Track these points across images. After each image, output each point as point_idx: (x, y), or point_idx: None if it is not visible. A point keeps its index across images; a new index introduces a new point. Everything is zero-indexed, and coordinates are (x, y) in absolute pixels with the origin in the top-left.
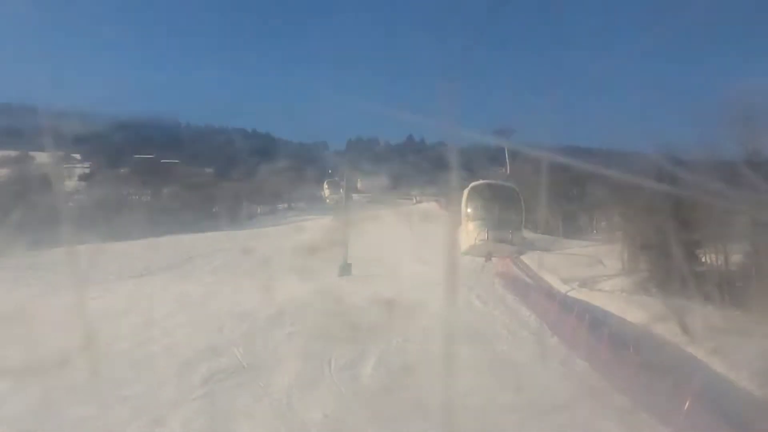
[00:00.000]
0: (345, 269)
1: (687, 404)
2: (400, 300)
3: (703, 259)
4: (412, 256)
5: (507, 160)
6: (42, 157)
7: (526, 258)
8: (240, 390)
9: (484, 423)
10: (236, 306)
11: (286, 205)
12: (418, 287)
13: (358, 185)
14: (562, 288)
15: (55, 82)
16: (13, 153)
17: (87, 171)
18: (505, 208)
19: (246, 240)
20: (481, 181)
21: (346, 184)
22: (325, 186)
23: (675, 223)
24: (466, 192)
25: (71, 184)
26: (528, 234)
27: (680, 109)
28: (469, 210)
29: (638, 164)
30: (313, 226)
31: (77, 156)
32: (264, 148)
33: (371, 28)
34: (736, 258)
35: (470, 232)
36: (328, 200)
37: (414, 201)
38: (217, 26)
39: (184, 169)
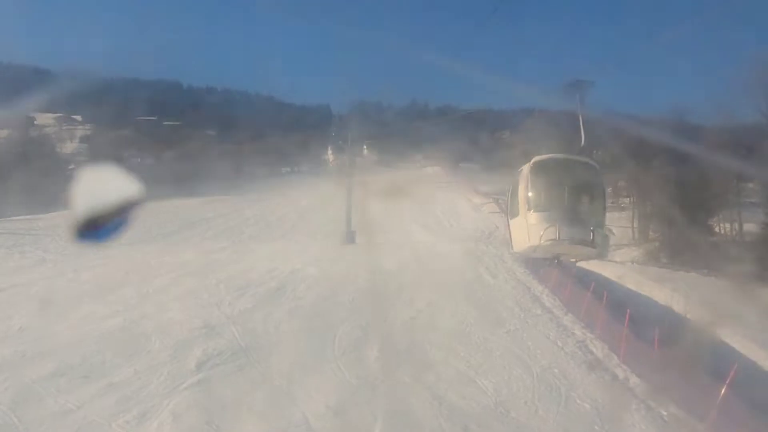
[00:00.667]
0: (348, 237)
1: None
2: (404, 273)
3: (717, 229)
4: (417, 224)
5: (581, 127)
6: (43, 119)
7: None
8: (235, 377)
9: None
10: (235, 278)
11: (288, 169)
12: (423, 257)
13: (364, 150)
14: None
15: (54, 43)
16: (12, 114)
17: (88, 133)
18: (585, 195)
19: (248, 205)
20: (550, 156)
21: (350, 148)
22: (329, 151)
23: (687, 192)
24: (526, 169)
25: (71, 146)
26: None
27: (698, 73)
28: (530, 194)
29: (649, 127)
30: (316, 190)
31: (78, 118)
32: (267, 110)
33: None
34: (750, 227)
35: (532, 226)
36: (331, 164)
37: (418, 165)
38: None
39: (186, 131)
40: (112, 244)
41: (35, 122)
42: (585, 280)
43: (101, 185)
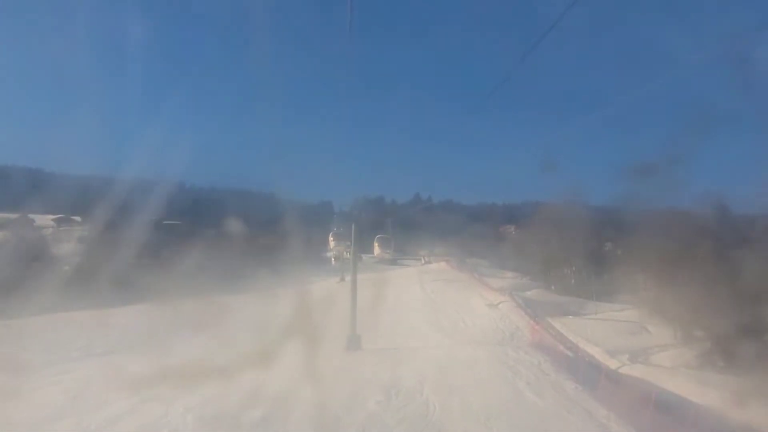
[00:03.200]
0: (353, 342)
1: None
2: (425, 391)
3: None
4: (428, 324)
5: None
6: (43, 220)
7: (558, 324)
8: None
9: None
10: (210, 404)
11: (289, 266)
12: (446, 368)
13: (376, 247)
14: (610, 362)
15: (54, 146)
16: (11, 215)
17: (86, 234)
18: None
19: (241, 306)
20: None
21: (353, 243)
22: (330, 239)
23: (737, 284)
24: None
25: (69, 246)
26: (553, 296)
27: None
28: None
29: (682, 221)
30: (318, 288)
31: (77, 218)
32: (267, 208)
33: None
34: None
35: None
36: (333, 253)
37: (423, 261)
38: (223, 86)
39: (186, 230)
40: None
41: (34, 223)
42: (658, 400)
43: None
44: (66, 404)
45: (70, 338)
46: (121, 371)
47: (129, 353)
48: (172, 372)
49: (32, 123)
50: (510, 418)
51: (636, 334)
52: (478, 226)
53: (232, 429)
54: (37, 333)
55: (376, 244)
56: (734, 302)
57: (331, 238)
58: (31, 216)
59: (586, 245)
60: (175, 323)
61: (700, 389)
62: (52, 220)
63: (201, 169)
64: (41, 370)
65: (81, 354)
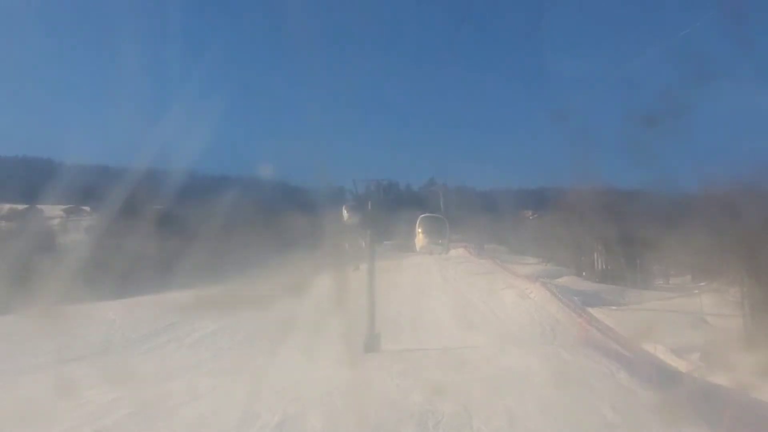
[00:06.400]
0: (372, 342)
1: None
2: (477, 420)
3: None
4: (455, 318)
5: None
6: (53, 211)
7: (602, 315)
8: None
9: None
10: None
11: (302, 254)
12: (493, 380)
13: (419, 235)
14: (679, 364)
15: (64, 135)
16: (20, 206)
17: (94, 224)
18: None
19: (248, 298)
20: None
21: (369, 232)
22: (344, 211)
23: None
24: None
25: (77, 237)
26: (586, 283)
27: None
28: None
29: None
30: (329, 278)
31: (86, 209)
32: (278, 196)
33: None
34: None
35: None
36: (347, 229)
37: (440, 248)
38: (230, 75)
39: (194, 220)
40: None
41: (43, 214)
42: None
43: None
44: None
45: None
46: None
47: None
48: (149, 389)
49: (42, 112)
50: None
51: (697, 328)
52: (493, 211)
53: None
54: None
55: (419, 231)
56: None
57: (344, 210)
58: (40, 206)
59: (617, 229)
60: (160, 322)
61: None
62: (62, 210)
63: (212, 156)
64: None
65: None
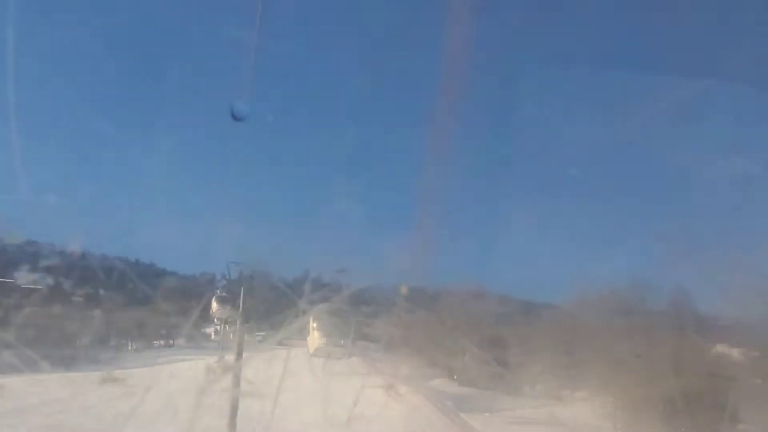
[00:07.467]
0: None
1: None
2: None
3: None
4: (326, 419)
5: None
6: None
7: (478, 424)
8: None
9: None
10: None
11: (163, 342)
12: None
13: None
14: None
15: None
16: None
17: None
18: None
19: (95, 387)
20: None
21: (240, 312)
22: (214, 303)
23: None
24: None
25: None
26: (458, 387)
27: None
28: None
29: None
30: (193, 369)
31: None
32: (144, 278)
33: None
34: None
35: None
36: (216, 321)
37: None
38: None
39: (49, 295)
40: None
41: None
42: None
43: None
44: None
45: None
46: None
47: None
48: None
49: None
50: None
51: None
52: (366, 308)
53: None
54: None
55: (314, 327)
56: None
57: (214, 303)
58: None
59: (488, 331)
60: None
61: None
62: None
63: (69, 233)
64: None
65: None
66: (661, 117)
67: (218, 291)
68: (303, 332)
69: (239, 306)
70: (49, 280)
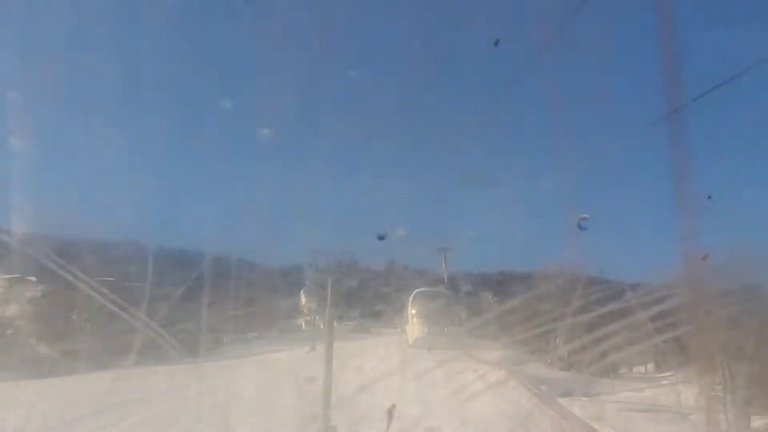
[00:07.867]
0: None
1: None
2: None
3: None
4: (419, 407)
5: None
6: None
7: (577, 410)
8: None
9: None
10: None
11: (255, 334)
12: None
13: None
14: None
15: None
16: None
17: (38, 294)
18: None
19: (196, 379)
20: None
21: (328, 304)
22: (302, 295)
23: None
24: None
25: (14, 308)
26: (553, 371)
27: None
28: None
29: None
30: (286, 359)
31: (32, 278)
32: (235, 272)
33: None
34: None
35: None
36: (306, 311)
37: (399, 330)
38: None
39: (147, 292)
40: None
41: None
42: None
43: None
44: None
45: None
46: None
47: None
48: None
49: None
50: None
51: (675, 423)
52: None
53: None
54: None
55: (413, 314)
56: None
57: (302, 295)
58: None
59: (583, 315)
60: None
61: None
62: (5, 279)
63: (170, 231)
64: None
65: None
66: None
67: (306, 282)
68: (394, 320)
69: (327, 297)
70: (151, 278)
